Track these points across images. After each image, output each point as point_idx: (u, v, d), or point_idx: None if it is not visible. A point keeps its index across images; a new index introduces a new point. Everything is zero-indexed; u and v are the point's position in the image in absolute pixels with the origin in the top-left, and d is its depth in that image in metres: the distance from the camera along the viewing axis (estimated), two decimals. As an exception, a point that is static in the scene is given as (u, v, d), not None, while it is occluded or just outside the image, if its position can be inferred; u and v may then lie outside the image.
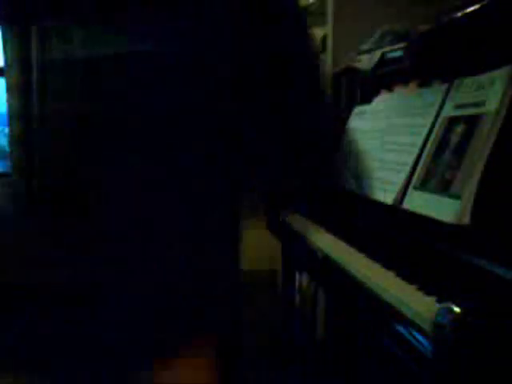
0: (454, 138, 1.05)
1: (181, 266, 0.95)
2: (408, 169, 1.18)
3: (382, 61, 1.49)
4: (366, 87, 1.71)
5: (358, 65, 1.64)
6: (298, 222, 1.54)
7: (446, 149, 1.06)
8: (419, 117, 1.23)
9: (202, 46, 0.97)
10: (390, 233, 1.18)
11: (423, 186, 1.10)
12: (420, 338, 0.77)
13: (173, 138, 0.95)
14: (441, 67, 1.28)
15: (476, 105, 1.02)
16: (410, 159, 1.19)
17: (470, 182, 0.94)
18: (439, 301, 0.80)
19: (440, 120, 1.13)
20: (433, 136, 1.13)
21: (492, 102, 0.97)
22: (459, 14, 1.14)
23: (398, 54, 1.40)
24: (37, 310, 0.95)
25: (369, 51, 1.60)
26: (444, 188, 1.01)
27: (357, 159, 1.53)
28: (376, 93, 1.57)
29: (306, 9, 2.58)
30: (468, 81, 1.09)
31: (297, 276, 2.29)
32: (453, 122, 1.08)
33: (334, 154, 1.48)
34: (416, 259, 1.01)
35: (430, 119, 1.17)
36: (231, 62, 1.01)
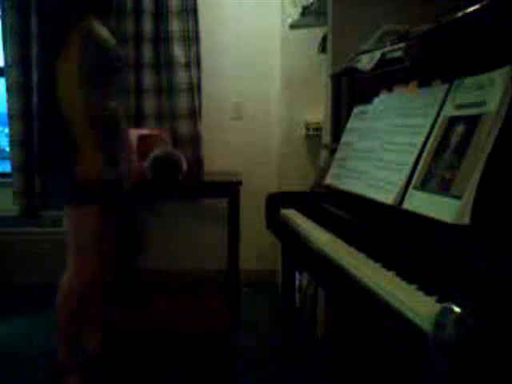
0: (454, 138, 1.05)
1: None
2: (408, 169, 1.18)
3: (382, 61, 1.49)
4: (365, 87, 1.71)
5: (358, 65, 1.64)
6: (298, 222, 1.54)
7: (446, 149, 1.06)
8: (419, 117, 1.23)
9: None
10: (390, 233, 1.18)
11: (423, 185, 1.10)
12: (420, 338, 0.77)
13: None
14: (441, 67, 1.28)
15: (476, 105, 1.02)
16: (410, 159, 1.19)
17: (470, 181, 0.94)
18: (439, 301, 0.80)
19: (440, 120, 1.13)
20: (433, 136, 1.13)
21: (492, 102, 0.97)
22: (459, 14, 1.14)
23: (398, 53, 1.40)
24: None
25: (369, 51, 1.60)
26: (444, 188, 1.01)
27: (357, 159, 1.53)
28: (376, 93, 1.57)
29: (306, 8, 2.58)
30: (468, 81, 1.09)
31: (297, 276, 2.29)
32: (453, 121, 1.08)
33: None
34: (416, 259, 1.01)
35: (430, 119, 1.17)
36: None
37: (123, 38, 3.07)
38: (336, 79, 1.95)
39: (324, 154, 2.26)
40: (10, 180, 3.10)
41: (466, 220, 0.92)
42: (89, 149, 1.87)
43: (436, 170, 1.07)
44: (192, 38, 3.12)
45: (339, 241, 1.27)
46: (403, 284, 0.92)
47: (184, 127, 3.15)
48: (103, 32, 1.99)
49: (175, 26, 3.09)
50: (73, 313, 1.99)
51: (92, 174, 1.87)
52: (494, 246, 0.84)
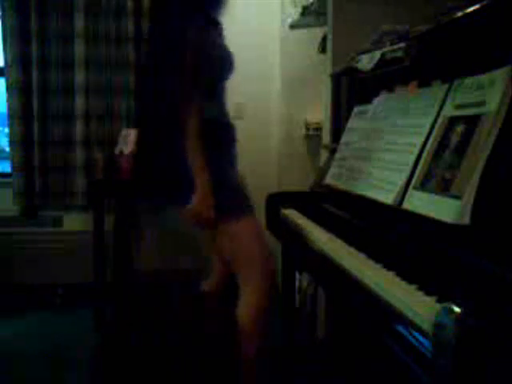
0: (454, 138, 1.05)
1: None
2: (408, 169, 1.18)
3: (382, 61, 1.49)
4: (365, 87, 1.71)
5: (358, 65, 1.64)
6: (298, 222, 1.54)
7: (446, 149, 1.06)
8: (419, 117, 1.23)
9: None
10: (390, 233, 1.18)
11: (423, 186, 1.10)
12: (420, 338, 0.77)
13: None
14: (441, 67, 1.28)
15: (476, 105, 1.02)
16: (410, 159, 1.19)
17: (469, 182, 0.94)
18: (439, 301, 0.80)
19: (440, 120, 1.13)
20: (433, 136, 1.13)
21: (492, 102, 0.97)
22: (459, 14, 1.14)
23: (398, 54, 1.40)
24: None
25: (369, 51, 1.60)
26: (444, 188, 1.01)
27: (357, 159, 1.53)
28: (376, 93, 1.57)
29: (305, 8, 2.58)
30: (468, 81, 1.09)
31: (297, 276, 2.29)
32: (453, 121, 1.08)
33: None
34: (416, 259, 1.01)
35: (430, 119, 1.17)
36: None
37: (123, 38, 3.07)
38: (336, 79, 1.95)
39: (324, 154, 2.26)
40: (10, 180, 3.10)
41: (466, 220, 0.92)
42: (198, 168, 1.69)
43: (436, 170, 1.07)
44: (192, 38, 3.12)
45: (339, 241, 1.27)
46: (403, 284, 0.92)
47: (184, 127, 3.14)
48: (210, 36, 1.88)
49: (175, 25, 3.08)
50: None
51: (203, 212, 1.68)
52: (494, 245, 0.84)
